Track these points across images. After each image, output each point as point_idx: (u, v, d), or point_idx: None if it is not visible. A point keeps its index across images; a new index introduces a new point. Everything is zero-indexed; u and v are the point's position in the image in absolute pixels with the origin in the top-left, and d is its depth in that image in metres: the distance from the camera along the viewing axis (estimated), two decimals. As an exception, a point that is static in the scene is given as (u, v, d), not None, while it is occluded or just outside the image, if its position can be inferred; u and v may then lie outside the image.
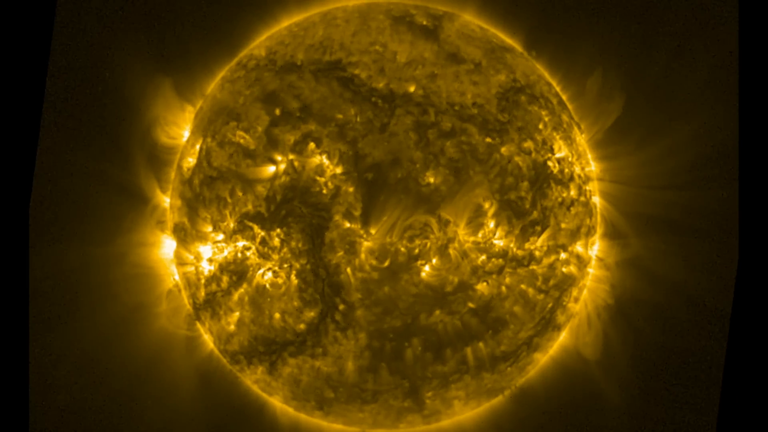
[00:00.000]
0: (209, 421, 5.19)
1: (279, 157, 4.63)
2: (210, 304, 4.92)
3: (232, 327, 4.89)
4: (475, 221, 4.59)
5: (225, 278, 4.79)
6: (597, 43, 5.08)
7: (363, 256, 4.54)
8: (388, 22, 4.90)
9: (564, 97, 5.19)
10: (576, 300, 5.14)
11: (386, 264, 4.53)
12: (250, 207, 4.65)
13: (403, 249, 4.52)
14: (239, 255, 4.72)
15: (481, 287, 4.67)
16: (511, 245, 4.67)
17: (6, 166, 5.08)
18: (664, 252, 5.09)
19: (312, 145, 4.57)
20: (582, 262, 5.06)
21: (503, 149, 4.69)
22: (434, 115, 4.61)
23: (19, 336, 5.07)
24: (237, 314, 4.83)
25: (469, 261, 4.61)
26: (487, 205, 4.59)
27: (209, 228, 4.81)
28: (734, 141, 5.04)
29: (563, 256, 4.90)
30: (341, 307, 4.61)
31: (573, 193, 4.93)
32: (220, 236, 4.77)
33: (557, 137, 4.94)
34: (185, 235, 4.95)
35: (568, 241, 4.90)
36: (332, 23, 4.97)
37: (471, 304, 4.67)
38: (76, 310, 5.09)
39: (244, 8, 5.12)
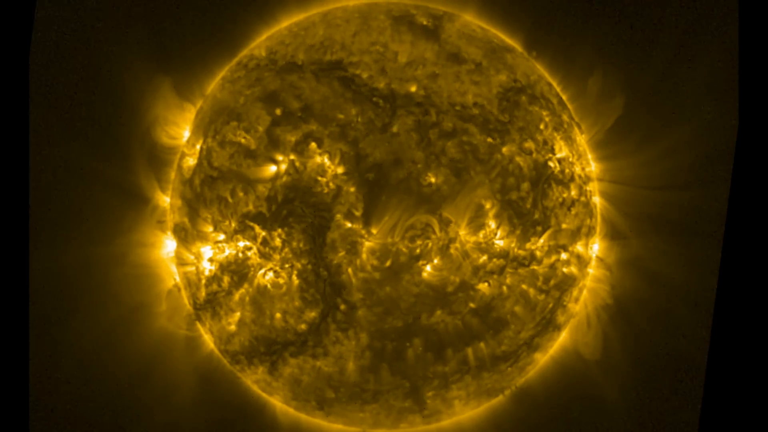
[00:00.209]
0: (209, 421, 5.19)
1: (280, 157, 4.62)
2: (211, 304, 4.91)
3: (233, 327, 4.89)
4: (477, 221, 4.59)
5: (226, 278, 4.78)
6: (597, 43, 5.08)
7: (364, 256, 4.53)
8: (388, 22, 4.90)
9: (564, 98, 5.19)
10: (576, 300, 5.15)
11: (387, 264, 4.53)
12: (251, 207, 4.65)
13: (404, 249, 4.52)
14: (240, 255, 4.72)
15: (482, 287, 4.67)
16: (512, 245, 4.68)
17: (6, 166, 5.06)
18: (664, 252, 5.10)
19: (313, 145, 4.57)
20: (582, 262, 5.06)
21: (504, 149, 4.69)
22: (435, 115, 4.61)
23: (19, 336, 5.05)
24: (238, 314, 4.83)
25: (471, 261, 4.61)
26: (488, 206, 4.59)
27: (210, 228, 4.80)
28: (733, 141, 5.05)
29: (564, 256, 4.90)
30: (342, 307, 4.60)
31: (574, 193, 4.94)
32: (221, 236, 4.77)
33: (558, 137, 4.94)
34: (186, 235, 4.94)
35: (568, 242, 4.91)
36: (333, 23, 4.97)
37: (472, 304, 4.67)
38: (76, 310, 5.08)
39: (244, 8, 5.11)
